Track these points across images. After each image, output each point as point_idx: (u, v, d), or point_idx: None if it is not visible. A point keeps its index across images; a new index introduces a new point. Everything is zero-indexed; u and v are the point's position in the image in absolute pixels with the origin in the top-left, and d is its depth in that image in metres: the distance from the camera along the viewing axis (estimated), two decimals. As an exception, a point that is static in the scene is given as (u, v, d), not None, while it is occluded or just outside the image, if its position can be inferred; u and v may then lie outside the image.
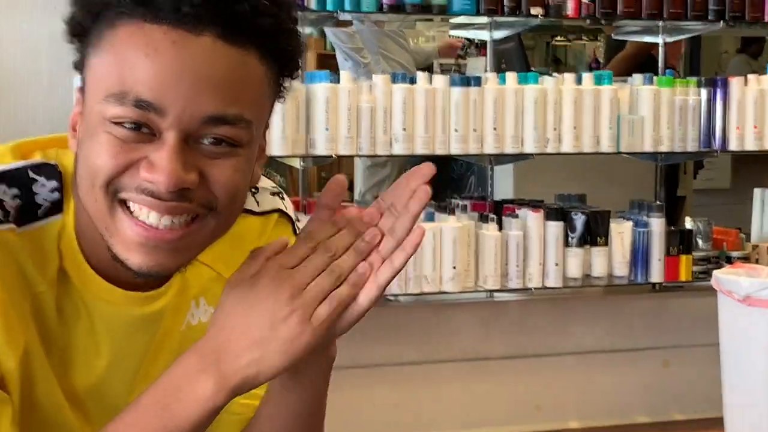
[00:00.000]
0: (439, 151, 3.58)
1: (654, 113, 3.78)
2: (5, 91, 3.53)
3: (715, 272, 3.30)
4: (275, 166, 5.28)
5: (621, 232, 3.80)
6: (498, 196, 4.03)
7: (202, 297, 1.28)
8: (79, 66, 1.13)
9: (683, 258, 3.87)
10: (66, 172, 1.17)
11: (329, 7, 3.58)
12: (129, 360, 1.23)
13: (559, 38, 8.47)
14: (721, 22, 3.95)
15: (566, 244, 3.72)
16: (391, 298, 3.64)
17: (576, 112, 3.68)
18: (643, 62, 4.67)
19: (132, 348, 1.23)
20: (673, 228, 3.95)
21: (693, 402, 3.95)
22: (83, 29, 1.11)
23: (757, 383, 3.15)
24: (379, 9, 3.63)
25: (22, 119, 3.52)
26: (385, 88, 3.52)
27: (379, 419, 3.73)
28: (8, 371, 1.12)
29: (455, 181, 4.86)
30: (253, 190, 1.30)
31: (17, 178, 1.16)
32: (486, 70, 3.87)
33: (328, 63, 5.24)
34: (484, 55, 4.46)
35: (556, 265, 3.70)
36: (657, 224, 3.83)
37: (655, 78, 3.86)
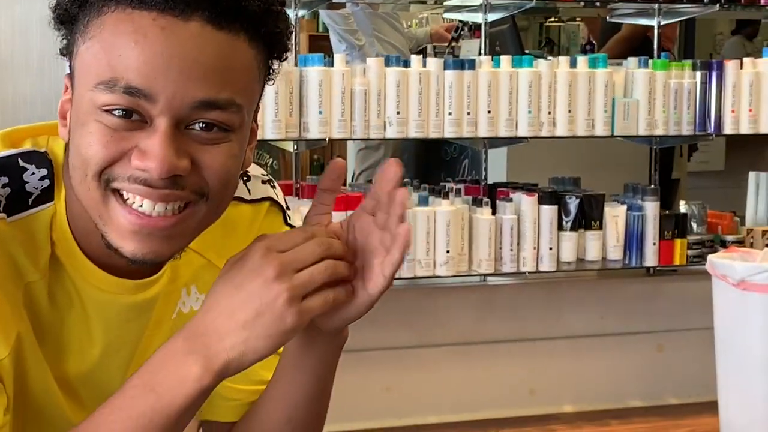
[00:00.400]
0: (433, 134, 3.57)
1: (649, 96, 3.76)
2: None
3: (709, 256, 3.30)
4: (268, 149, 5.26)
5: (615, 215, 3.79)
6: (492, 179, 4.01)
7: (194, 285, 1.27)
8: (67, 53, 1.12)
9: (678, 242, 3.87)
10: (56, 159, 1.17)
11: (323, -12, 3.57)
12: (122, 348, 1.23)
13: (552, 19, 8.45)
14: (717, 4, 3.93)
15: (560, 227, 3.71)
16: (385, 282, 3.62)
17: (570, 96, 3.67)
18: (638, 45, 4.65)
19: (125, 336, 1.22)
20: (667, 212, 3.94)
21: (687, 386, 3.95)
22: (70, 16, 1.10)
23: (752, 367, 3.15)
24: (373, -10, 3.61)
25: (14, 104, 3.50)
26: (379, 71, 3.51)
27: (372, 403, 3.73)
28: (1, 360, 1.12)
29: (449, 164, 4.85)
30: (244, 178, 1.30)
31: (7, 167, 1.15)
32: (480, 53, 3.85)
33: (320, 45, 5.22)
34: (478, 37, 4.44)
35: (550, 249, 3.69)
36: (651, 208, 3.82)
37: (650, 61, 3.84)
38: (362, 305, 1.11)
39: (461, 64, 3.60)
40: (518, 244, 3.67)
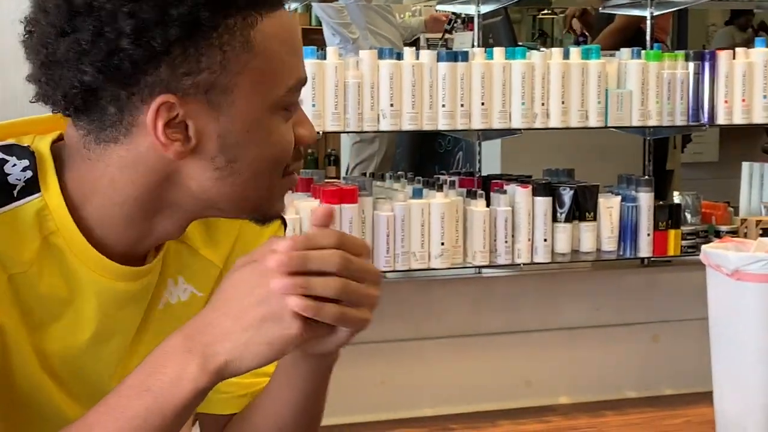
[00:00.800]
0: (427, 126, 3.57)
1: (642, 87, 3.76)
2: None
3: (703, 247, 3.30)
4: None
5: (609, 206, 3.79)
6: (486, 171, 4.01)
7: (180, 276, 1.27)
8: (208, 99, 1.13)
9: (672, 232, 3.87)
10: (39, 152, 1.16)
11: (315, -18, 3.56)
12: (113, 338, 1.22)
13: (545, 11, 8.46)
14: (710, -6, 3.94)
15: (554, 219, 3.72)
16: (379, 275, 3.62)
17: (564, 87, 3.66)
18: (632, 36, 4.65)
19: (117, 325, 1.21)
20: (661, 203, 3.94)
21: (682, 376, 3.95)
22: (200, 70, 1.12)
23: (746, 357, 3.15)
24: (366, -17, 3.61)
25: (3, 100, 3.49)
26: (372, 64, 3.50)
27: (367, 396, 3.73)
28: None
29: (443, 156, 4.84)
30: None
31: None
32: (473, 45, 3.85)
33: (312, 38, 5.22)
34: (471, 29, 4.43)
35: (545, 240, 3.69)
36: (645, 199, 3.82)
37: (643, 52, 3.84)
38: (347, 332, 1.11)
39: (454, 56, 3.60)
40: (513, 235, 3.67)
